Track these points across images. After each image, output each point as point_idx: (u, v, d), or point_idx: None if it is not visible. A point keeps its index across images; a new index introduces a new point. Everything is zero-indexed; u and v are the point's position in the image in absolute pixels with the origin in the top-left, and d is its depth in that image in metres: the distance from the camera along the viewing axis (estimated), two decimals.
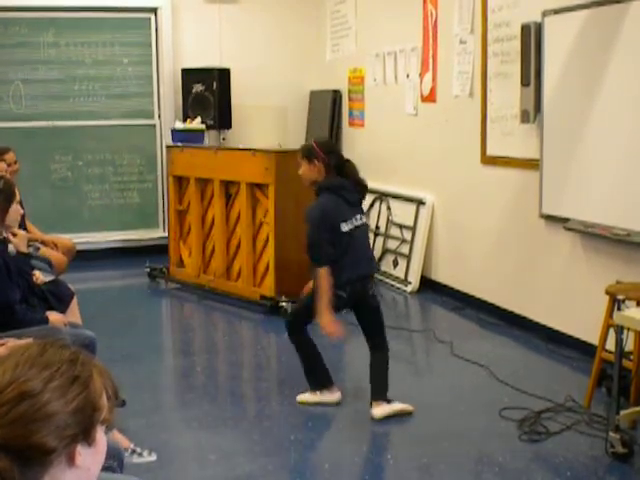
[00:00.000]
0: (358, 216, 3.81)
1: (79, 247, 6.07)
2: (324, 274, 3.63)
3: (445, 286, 6.12)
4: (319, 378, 3.97)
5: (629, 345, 3.67)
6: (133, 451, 3.28)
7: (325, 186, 3.78)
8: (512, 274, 5.32)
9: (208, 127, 7.25)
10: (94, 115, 7.59)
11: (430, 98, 6.19)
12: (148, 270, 6.75)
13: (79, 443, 1.20)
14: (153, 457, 3.32)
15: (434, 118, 6.15)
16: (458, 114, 5.80)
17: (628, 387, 3.69)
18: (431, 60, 6.14)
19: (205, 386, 4.33)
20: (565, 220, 4.61)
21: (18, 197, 3.61)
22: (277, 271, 5.69)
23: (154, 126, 7.79)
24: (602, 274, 4.32)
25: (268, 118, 8.18)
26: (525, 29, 4.73)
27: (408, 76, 6.51)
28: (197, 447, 3.50)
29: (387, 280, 6.62)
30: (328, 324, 3.66)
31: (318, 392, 3.96)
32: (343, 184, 3.78)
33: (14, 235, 3.59)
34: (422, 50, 6.26)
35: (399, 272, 6.52)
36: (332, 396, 3.96)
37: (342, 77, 7.72)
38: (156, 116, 7.79)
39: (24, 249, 3.66)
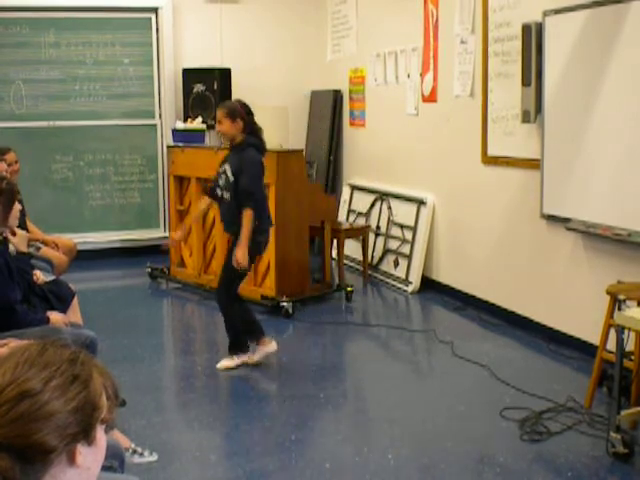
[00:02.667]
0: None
1: (80, 247, 6.07)
2: (251, 216, 4.21)
3: (446, 286, 6.12)
4: (257, 332, 4.51)
5: (630, 345, 3.67)
6: (134, 451, 3.28)
7: (253, 143, 4.31)
8: (513, 274, 5.31)
9: (209, 127, 7.24)
10: (95, 115, 7.59)
11: (431, 98, 6.19)
12: (149, 270, 6.76)
13: (79, 442, 1.20)
14: (154, 457, 3.32)
15: (435, 118, 6.15)
16: (459, 114, 5.80)
17: (629, 387, 3.69)
18: (432, 60, 6.14)
19: (206, 386, 4.33)
20: (566, 220, 4.61)
21: (19, 197, 3.61)
22: (278, 271, 5.69)
23: (155, 126, 7.79)
24: (603, 274, 4.32)
25: (269, 118, 8.15)
26: (526, 29, 4.73)
27: (409, 76, 6.51)
28: (197, 447, 3.50)
29: (388, 280, 6.62)
30: (243, 257, 4.20)
31: (247, 354, 4.49)
32: (264, 145, 4.40)
33: (14, 235, 3.59)
34: (423, 50, 6.26)
35: (400, 272, 6.52)
36: (270, 346, 4.54)
37: (343, 77, 7.72)
38: (157, 116, 7.79)
39: (24, 249, 3.65)
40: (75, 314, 3.92)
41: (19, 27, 7.28)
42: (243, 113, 4.29)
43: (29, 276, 3.64)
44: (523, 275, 5.20)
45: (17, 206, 3.58)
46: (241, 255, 4.20)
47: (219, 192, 4.34)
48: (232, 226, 4.35)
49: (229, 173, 4.27)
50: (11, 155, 5.56)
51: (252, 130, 4.32)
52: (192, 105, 7.45)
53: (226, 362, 4.50)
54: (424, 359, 5.01)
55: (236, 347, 4.51)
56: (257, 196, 4.27)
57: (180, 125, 7.01)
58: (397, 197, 6.68)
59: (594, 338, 4.10)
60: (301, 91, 8.20)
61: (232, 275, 4.39)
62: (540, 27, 4.65)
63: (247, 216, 4.21)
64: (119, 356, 4.70)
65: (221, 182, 4.32)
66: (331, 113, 7.78)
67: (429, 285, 6.30)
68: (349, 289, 6.01)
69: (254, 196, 4.25)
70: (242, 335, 4.49)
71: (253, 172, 4.29)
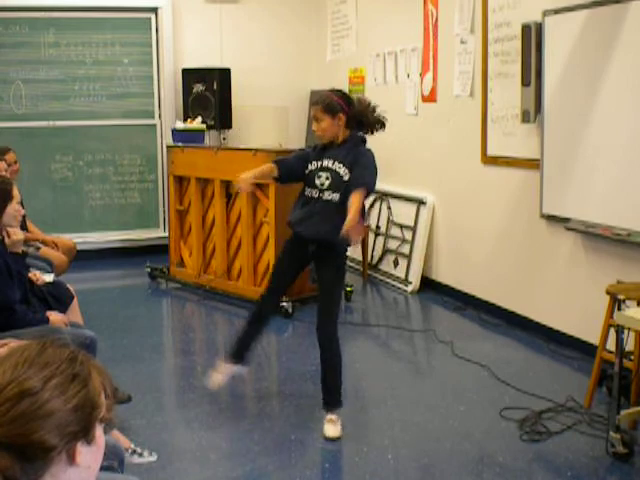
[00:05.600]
0: None
1: (80, 247, 6.08)
2: (363, 197, 3.42)
3: (446, 286, 6.12)
4: (341, 387, 3.72)
5: (630, 345, 3.67)
6: (134, 451, 3.28)
7: (365, 140, 3.65)
8: (513, 274, 5.31)
9: (209, 127, 7.25)
10: (95, 115, 7.59)
11: (431, 98, 6.19)
12: (149, 270, 6.76)
13: (79, 441, 1.20)
14: (154, 457, 3.32)
15: (435, 118, 6.15)
16: (459, 114, 5.80)
17: (629, 387, 3.69)
18: (431, 60, 6.14)
19: (205, 386, 4.33)
20: (566, 220, 4.61)
21: (19, 197, 3.60)
22: None
23: (155, 126, 7.79)
24: (603, 274, 4.32)
25: (269, 118, 8.17)
26: (526, 29, 4.73)
27: (409, 76, 6.51)
28: (197, 447, 3.50)
29: (388, 280, 6.62)
30: (358, 231, 3.33)
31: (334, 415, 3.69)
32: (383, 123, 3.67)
33: (8, 236, 3.58)
34: (423, 50, 6.26)
35: (400, 272, 6.52)
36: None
37: (343, 77, 7.72)
38: (157, 116, 7.79)
39: (18, 249, 3.64)
40: (75, 314, 3.91)
41: (19, 27, 7.28)
42: (344, 104, 3.58)
43: (25, 278, 3.63)
44: (523, 275, 5.21)
45: (20, 209, 3.57)
46: (353, 222, 3.28)
47: (313, 192, 3.59)
48: (327, 230, 3.50)
49: (341, 171, 3.53)
50: (11, 155, 5.57)
51: (359, 122, 3.59)
52: (192, 105, 7.45)
53: (333, 429, 3.60)
54: (424, 359, 5.01)
55: (340, 396, 3.70)
56: (367, 195, 3.50)
57: (180, 125, 7.01)
58: (397, 197, 6.68)
59: (594, 338, 4.10)
60: (301, 91, 8.20)
61: (339, 296, 3.70)
62: (540, 27, 4.65)
63: (360, 194, 3.39)
64: (119, 356, 4.70)
65: (321, 181, 3.56)
66: None
67: (429, 285, 6.30)
68: (349, 289, 6.01)
69: (370, 189, 3.50)
70: (341, 378, 3.71)
71: (373, 170, 3.55)
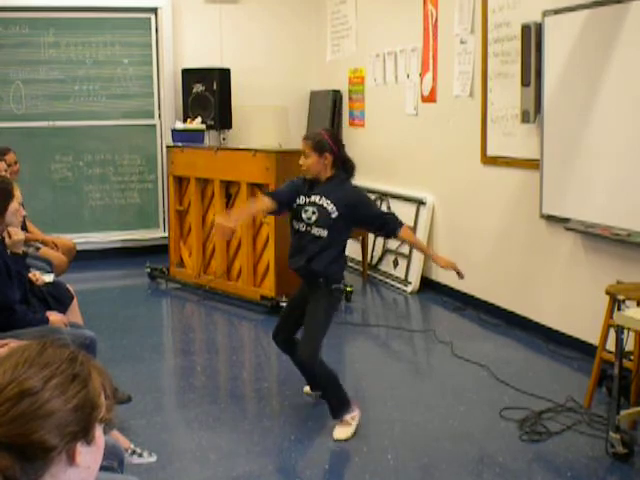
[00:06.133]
0: None
1: (79, 247, 6.08)
2: (411, 230, 3.67)
3: (445, 286, 6.12)
4: (343, 398, 3.70)
5: (629, 345, 3.67)
6: (133, 451, 3.28)
7: (348, 179, 3.73)
8: (512, 274, 5.32)
9: (208, 127, 7.25)
10: (94, 115, 7.59)
11: (430, 98, 6.19)
12: (148, 270, 6.76)
13: (79, 441, 1.21)
14: (153, 458, 3.32)
15: (435, 118, 6.15)
16: (458, 114, 5.80)
17: (628, 387, 3.69)
18: (431, 60, 6.14)
19: (205, 386, 4.33)
20: (566, 220, 4.61)
21: (20, 198, 3.59)
22: (277, 271, 5.69)
23: (154, 126, 7.79)
24: (602, 274, 4.32)
25: (268, 118, 8.18)
26: (525, 29, 4.73)
27: (408, 76, 6.51)
28: (197, 447, 3.50)
29: (387, 280, 6.62)
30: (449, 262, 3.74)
31: (348, 416, 3.68)
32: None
33: (9, 236, 3.58)
34: (422, 50, 6.26)
35: (399, 272, 6.52)
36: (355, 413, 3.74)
37: (342, 77, 7.72)
38: (156, 116, 7.79)
39: (19, 250, 3.65)
40: (75, 314, 3.91)
41: (19, 27, 7.28)
42: (332, 145, 3.64)
43: (25, 278, 3.63)
44: (522, 275, 5.21)
45: (21, 211, 3.57)
46: (447, 261, 3.73)
47: (301, 226, 3.62)
48: (317, 264, 3.59)
49: (329, 207, 3.57)
50: (11, 156, 5.57)
51: (343, 164, 3.68)
52: (192, 105, 7.45)
53: (342, 430, 3.63)
54: (424, 359, 5.01)
55: (342, 407, 3.68)
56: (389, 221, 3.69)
57: (179, 125, 7.01)
58: (396, 197, 6.68)
59: (593, 338, 4.10)
60: (301, 91, 8.20)
61: (324, 330, 3.64)
62: (539, 27, 4.65)
63: (408, 231, 3.76)
64: (119, 356, 4.70)
65: (308, 216, 3.58)
66: (331, 113, 7.78)
67: (428, 285, 6.30)
68: (349, 289, 6.01)
69: (393, 215, 3.74)
70: (342, 390, 3.71)
71: (370, 201, 3.86)
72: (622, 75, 4.07)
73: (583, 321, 4.57)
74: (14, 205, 3.50)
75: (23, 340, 2.53)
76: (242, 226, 5.94)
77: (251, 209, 4.05)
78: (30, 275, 3.82)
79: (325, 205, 3.57)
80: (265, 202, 3.69)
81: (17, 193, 3.56)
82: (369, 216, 3.67)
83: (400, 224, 3.65)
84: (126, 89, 7.66)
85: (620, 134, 4.11)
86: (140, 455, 3.29)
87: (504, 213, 5.37)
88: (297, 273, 3.73)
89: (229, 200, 6.12)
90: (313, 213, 3.58)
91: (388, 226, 3.65)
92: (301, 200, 3.65)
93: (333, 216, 3.56)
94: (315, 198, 3.60)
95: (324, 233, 3.57)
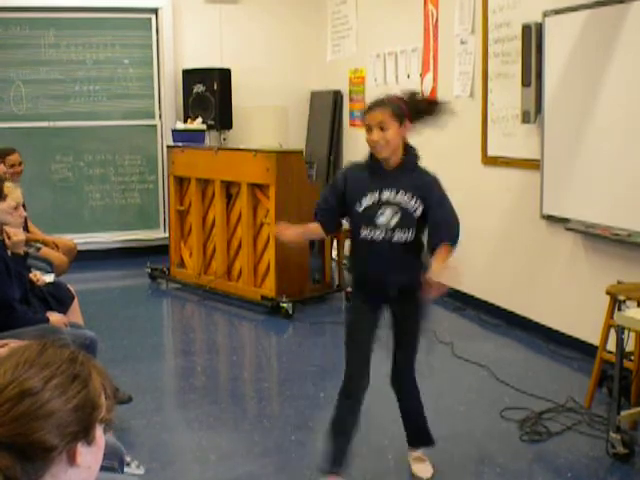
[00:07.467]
0: None
1: (80, 247, 6.07)
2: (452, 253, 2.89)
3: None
4: (426, 432, 3.29)
5: (630, 345, 3.67)
6: None
7: (418, 157, 3.09)
8: (513, 274, 5.31)
9: (209, 127, 7.25)
10: (95, 116, 7.59)
11: None
12: (149, 270, 6.76)
13: (79, 441, 1.21)
14: (141, 470, 3.16)
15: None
16: (459, 114, 5.78)
17: (629, 387, 3.69)
18: (432, 60, 6.14)
19: (206, 386, 4.33)
20: (566, 220, 4.61)
21: (21, 199, 3.58)
22: (278, 271, 5.69)
23: (155, 126, 7.79)
24: (603, 274, 4.32)
25: (269, 118, 8.18)
26: (526, 29, 4.73)
27: (409, 77, 6.51)
28: (198, 447, 3.50)
29: None
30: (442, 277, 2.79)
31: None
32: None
33: (9, 237, 3.58)
34: (423, 50, 6.26)
35: None
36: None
37: (343, 78, 7.72)
38: (157, 116, 7.79)
39: (19, 250, 3.64)
40: (76, 314, 3.91)
41: (19, 27, 7.28)
42: (407, 111, 2.99)
43: (25, 278, 3.63)
44: (523, 275, 5.20)
45: (9, 202, 3.53)
46: (436, 283, 2.75)
47: (376, 234, 2.88)
48: (402, 276, 2.92)
49: (412, 204, 2.87)
50: (15, 156, 5.53)
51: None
52: (192, 105, 7.45)
53: (425, 467, 3.24)
54: (424, 359, 5.00)
55: (428, 438, 3.29)
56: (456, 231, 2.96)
57: (180, 125, 7.01)
58: None
59: (594, 338, 4.10)
60: (301, 91, 8.20)
61: (417, 346, 3.12)
62: (540, 27, 4.65)
63: (448, 250, 2.86)
64: (119, 356, 4.70)
65: (386, 220, 2.87)
66: (331, 113, 7.79)
67: None
68: (349, 289, 6.00)
69: (458, 236, 2.94)
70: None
71: (451, 206, 2.99)
72: (623, 75, 4.07)
73: (583, 321, 4.57)
74: (8, 203, 3.47)
75: (23, 340, 2.53)
76: (242, 226, 5.95)
77: (308, 231, 3.16)
78: (31, 275, 3.82)
79: (406, 201, 2.88)
80: (316, 228, 3.09)
81: (18, 193, 3.55)
82: (436, 220, 2.91)
83: (448, 240, 2.88)
84: (126, 89, 7.66)
85: (620, 134, 4.11)
86: (128, 465, 3.22)
87: (504, 213, 5.37)
88: (380, 292, 2.99)
89: (230, 200, 6.12)
90: (394, 215, 2.86)
91: (437, 235, 2.88)
92: (368, 200, 2.90)
93: (418, 213, 2.88)
94: (389, 195, 2.88)
95: (410, 236, 2.89)
